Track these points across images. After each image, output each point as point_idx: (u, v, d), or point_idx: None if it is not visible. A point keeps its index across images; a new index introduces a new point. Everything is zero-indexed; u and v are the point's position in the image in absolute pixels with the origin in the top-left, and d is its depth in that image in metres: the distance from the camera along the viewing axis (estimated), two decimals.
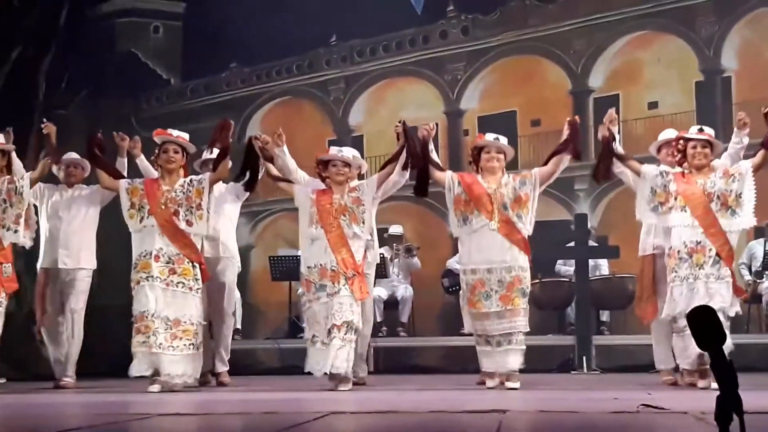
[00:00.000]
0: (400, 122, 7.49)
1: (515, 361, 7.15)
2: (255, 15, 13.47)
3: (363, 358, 8.17)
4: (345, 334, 7.10)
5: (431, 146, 7.49)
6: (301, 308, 7.68)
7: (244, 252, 12.49)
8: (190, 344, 7.23)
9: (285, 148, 7.67)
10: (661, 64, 12.85)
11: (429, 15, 13.93)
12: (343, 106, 14.53)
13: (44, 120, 7.93)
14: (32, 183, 7.72)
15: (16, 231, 7.48)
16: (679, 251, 6.98)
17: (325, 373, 7.11)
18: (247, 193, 8.18)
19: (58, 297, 8.45)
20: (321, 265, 7.25)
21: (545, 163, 7.36)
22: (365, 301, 7.62)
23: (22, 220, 7.51)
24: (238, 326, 11.90)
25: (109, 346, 9.78)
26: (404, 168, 7.42)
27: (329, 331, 7.10)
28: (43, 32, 13.77)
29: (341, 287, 7.17)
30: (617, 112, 7.61)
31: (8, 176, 7.59)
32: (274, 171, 7.71)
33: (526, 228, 7.24)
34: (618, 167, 7.28)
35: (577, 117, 7.49)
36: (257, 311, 13.48)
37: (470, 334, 7.55)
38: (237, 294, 11.89)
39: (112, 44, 15.88)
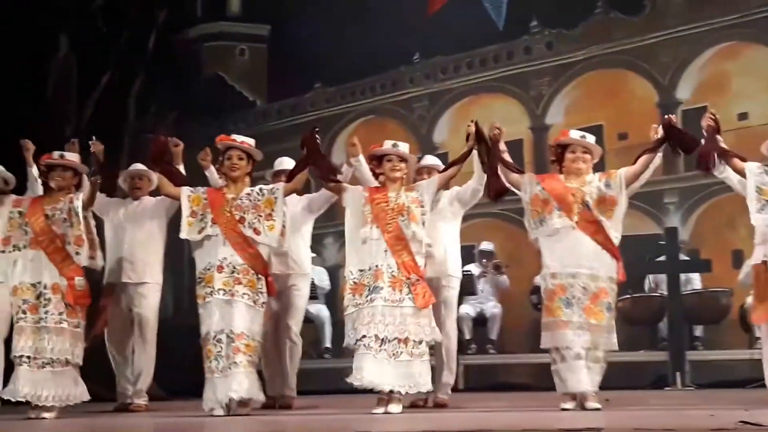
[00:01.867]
0: (472, 121, 6.92)
1: (593, 380, 6.48)
2: (338, 35, 13.56)
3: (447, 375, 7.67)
4: (413, 350, 6.56)
5: (503, 147, 6.87)
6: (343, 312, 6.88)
7: (334, 270, 12.57)
8: (251, 360, 6.73)
9: (361, 157, 7.20)
10: (750, 75, 12.63)
11: (512, 30, 13.89)
12: (428, 124, 14.55)
13: (92, 137, 7.63)
14: (86, 203, 7.31)
15: (77, 253, 7.19)
16: None
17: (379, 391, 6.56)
18: (323, 207, 7.76)
19: (125, 313, 8.13)
20: (377, 267, 6.65)
21: (634, 162, 6.70)
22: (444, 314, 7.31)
23: (84, 243, 7.22)
24: (328, 345, 11.97)
25: (179, 364, 9.60)
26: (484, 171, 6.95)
27: (382, 341, 6.53)
28: (132, 57, 14.02)
29: (404, 296, 6.59)
30: None
31: (71, 195, 7.31)
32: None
33: (613, 232, 6.57)
34: (721, 170, 6.66)
35: (673, 116, 6.77)
36: None
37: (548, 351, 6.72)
38: (326, 312, 12.04)
39: (199, 68, 16.15)
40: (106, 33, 13.80)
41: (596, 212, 6.54)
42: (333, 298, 12.35)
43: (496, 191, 6.82)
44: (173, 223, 8.09)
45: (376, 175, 6.99)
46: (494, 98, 14.18)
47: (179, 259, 10.46)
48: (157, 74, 14.44)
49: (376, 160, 6.95)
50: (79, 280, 7.17)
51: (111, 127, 13.39)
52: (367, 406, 6.72)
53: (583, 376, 6.43)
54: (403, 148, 6.95)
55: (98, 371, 8.07)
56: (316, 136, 6.95)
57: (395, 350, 6.54)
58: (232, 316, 6.70)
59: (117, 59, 13.91)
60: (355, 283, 6.70)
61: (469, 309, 11.49)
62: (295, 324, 7.92)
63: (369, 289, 6.63)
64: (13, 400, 7.08)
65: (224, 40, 16.47)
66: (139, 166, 8.27)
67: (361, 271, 6.71)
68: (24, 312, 7.09)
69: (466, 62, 14.31)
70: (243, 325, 6.71)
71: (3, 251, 7.25)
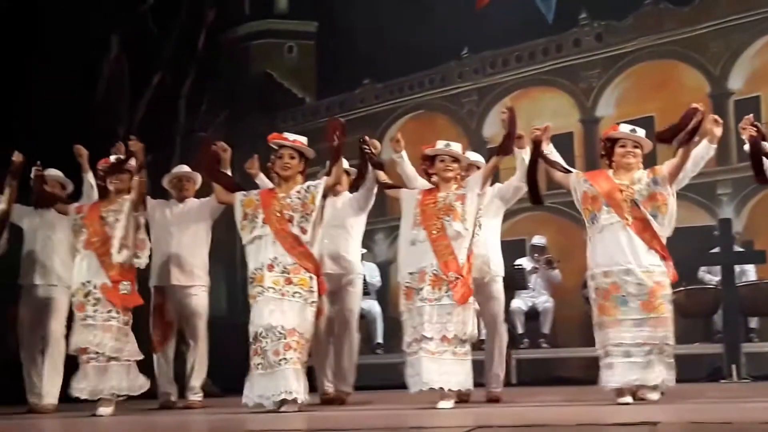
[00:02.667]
0: (506, 108, 6.80)
1: (660, 374, 6.36)
2: (386, 31, 13.57)
3: (499, 371, 7.62)
4: (456, 347, 6.57)
5: (549, 147, 6.75)
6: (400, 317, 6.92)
7: (384, 266, 12.59)
8: (301, 358, 6.69)
9: (404, 153, 7.18)
10: None
11: (561, 23, 13.82)
12: (477, 118, 14.53)
13: (131, 136, 7.60)
14: (134, 204, 7.41)
15: (119, 252, 7.30)
16: None
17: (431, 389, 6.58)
18: (370, 203, 7.69)
19: (173, 315, 8.20)
20: (422, 268, 6.66)
21: (674, 155, 6.50)
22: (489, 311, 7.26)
23: (129, 242, 7.34)
24: (380, 340, 12.00)
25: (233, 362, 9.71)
26: (500, 153, 6.77)
27: (421, 341, 6.58)
28: (181, 58, 14.12)
29: (442, 294, 6.58)
30: (758, 115, 7.15)
31: (128, 196, 7.41)
32: (383, 177, 7.20)
33: (664, 229, 6.45)
34: None
35: (699, 105, 6.49)
36: (398, 325, 13.51)
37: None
38: (377, 308, 12.07)
39: (247, 66, 16.21)
40: (156, 34, 13.91)
41: (647, 210, 6.43)
42: (384, 294, 12.38)
43: (536, 199, 6.76)
44: (222, 223, 8.21)
45: (429, 175, 6.94)
46: (543, 91, 14.13)
47: (231, 259, 10.54)
48: (206, 74, 14.54)
49: (429, 160, 6.91)
50: (124, 285, 7.28)
51: (162, 127, 13.53)
52: (420, 401, 6.74)
53: (642, 371, 6.34)
54: (456, 147, 6.92)
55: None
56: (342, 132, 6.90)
57: (439, 348, 6.55)
58: (283, 314, 6.67)
59: (167, 60, 14.03)
60: (407, 287, 6.73)
61: (521, 303, 11.48)
62: (351, 321, 7.89)
63: (416, 292, 6.67)
64: (79, 396, 7.24)
65: (272, 38, 16.54)
66: (184, 168, 8.31)
67: (411, 273, 6.73)
68: (84, 311, 7.22)
69: (515, 56, 14.27)
70: (294, 322, 6.67)
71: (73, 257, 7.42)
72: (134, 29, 13.51)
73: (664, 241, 6.48)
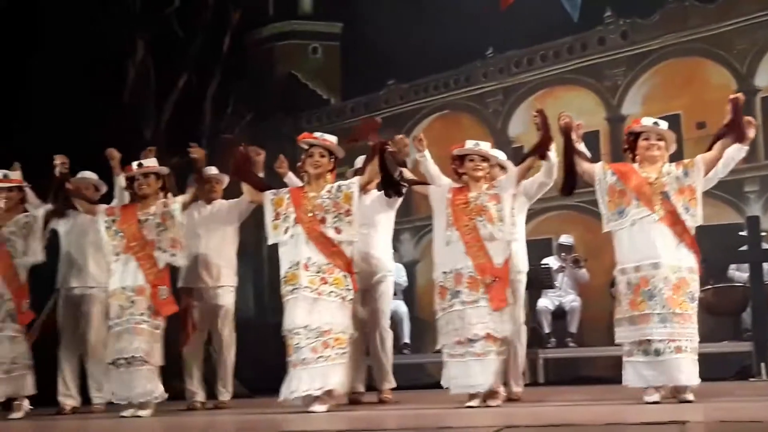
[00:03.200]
0: (537, 111, 6.85)
1: (691, 373, 6.34)
2: (411, 31, 13.57)
3: (519, 371, 7.71)
4: (491, 347, 6.63)
5: (575, 136, 6.72)
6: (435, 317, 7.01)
7: (410, 266, 12.60)
8: (342, 353, 6.77)
9: (426, 152, 7.15)
10: None
11: (586, 22, 13.75)
12: (502, 118, 14.50)
13: (190, 144, 7.71)
14: (183, 207, 7.52)
15: (173, 254, 7.41)
16: None
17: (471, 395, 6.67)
18: (399, 200, 7.65)
19: (201, 317, 8.25)
20: (456, 270, 6.73)
21: (709, 149, 6.58)
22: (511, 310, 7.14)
23: (180, 245, 7.44)
24: (407, 340, 12.00)
25: (261, 362, 9.70)
26: (541, 158, 6.85)
27: (466, 342, 6.64)
28: (207, 60, 14.17)
29: (480, 296, 6.65)
30: None
31: (164, 199, 7.48)
32: (408, 174, 7.21)
33: (694, 220, 6.42)
34: None
35: (741, 95, 6.68)
36: (425, 325, 13.52)
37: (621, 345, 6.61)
38: (404, 308, 12.07)
39: (272, 67, 16.25)
40: (181, 36, 13.97)
41: (678, 203, 6.41)
42: (411, 295, 12.39)
43: (571, 187, 6.72)
44: (251, 224, 8.24)
45: (458, 175, 6.98)
46: (569, 90, 14.09)
47: (259, 259, 10.57)
48: (231, 75, 14.58)
49: (458, 160, 6.96)
50: (163, 289, 7.34)
51: (188, 128, 13.58)
52: (446, 401, 6.75)
53: (667, 369, 6.31)
54: (485, 146, 6.97)
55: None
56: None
57: (484, 350, 6.61)
58: (320, 313, 6.74)
59: (193, 61, 14.08)
60: (441, 286, 6.80)
61: (548, 303, 11.46)
62: (383, 320, 7.95)
63: (450, 293, 6.73)
64: (114, 401, 7.41)
65: (296, 39, 16.56)
66: (212, 170, 8.32)
67: (444, 273, 6.79)
68: (118, 317, 7.29)
69: (540, 55, 14.23)
70: (331, 320, 6.75)
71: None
72: (160, 31, 13.58)
73: (693, 232, 6.46)
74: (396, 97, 15.38)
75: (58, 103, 11.19)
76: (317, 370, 6.67)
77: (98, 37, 11.71)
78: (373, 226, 7.74)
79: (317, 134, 7.15)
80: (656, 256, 6.38)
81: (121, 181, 7.86)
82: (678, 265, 6.39)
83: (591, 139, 13.41)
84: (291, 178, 7.76)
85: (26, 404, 7.73)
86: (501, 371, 6.76)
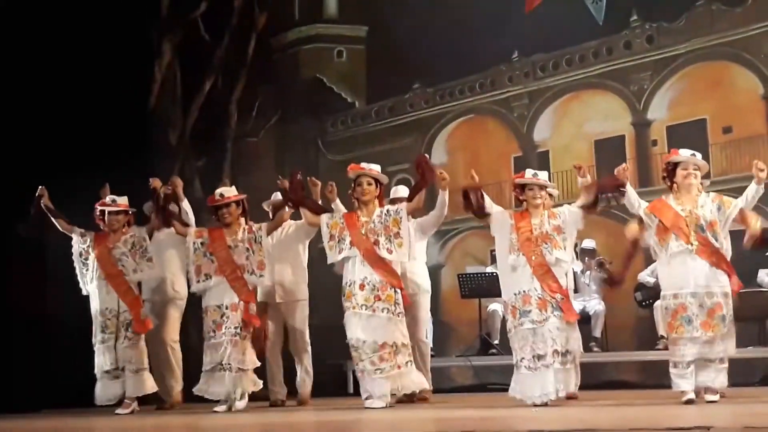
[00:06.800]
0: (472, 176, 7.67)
1: (716, 378, 7.14)
2: (436, 35, 13.58)
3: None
4: (562, 359, 7.26)
5: (627, 184, 7.40)
6: (507, 334, 7.75)
7: (434, 271, 12.57)
8: (398, 364, 7.69)
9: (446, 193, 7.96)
10: None
11: (611, 26, 13.71)
12: (528, 122, 14.47)
13: (311, 177, 8.63)
14: (268, 232, 8.52)
15: (261, 275, 8.40)
16: None
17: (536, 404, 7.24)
18: (433, 229, 8.49)
19: (277, 328, 9.13)
20: (524, 291, 7.38)
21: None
22: None
23: (266, 266, 8.42)
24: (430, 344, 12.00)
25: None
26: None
27: (538, 357, 7.27)
28: (232, 63, 14.25)
29: (550, 315, 7.29)
30: None
31: (247, 225, 8.45)
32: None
33: (726, 248, 7.18)
34: None
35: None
36: (448, 329, 13.54)
37: (666, 348, 7.57)
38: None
39: (297, 71, 16.28)
40: (207, 40, 14.04)
41: (710, 235, 7.11)
42: (434, 299, 12.35)
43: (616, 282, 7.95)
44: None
45: (519, 201, 7.69)
46: (594, 94, 14.04)
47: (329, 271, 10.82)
48: (257, 79, 14.65)
49: (519, 188, 7.64)
50: (252, 306, 8.40)
51: (214, 132, 13.66)
52: (461, 402, 6.78)
53: (699, 376, 7.10)
54: (542, 176, 7.64)
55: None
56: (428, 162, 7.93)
57: (552, 362, 7.25)
58: (373, 330, 7.69)
59: (218, 65, 14.15)
60: (512, 306, 7.47)
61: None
62: (421, 332, 8.74)
63: (519, 312, 7.40)
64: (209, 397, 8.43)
65: (322, 43, 16.56)
66: (278, 196, 8.95)
67: (515, 294, 7.46)
68: (213, 331, 8.33)
69: (565, 59, 14.19)
70: (384, 336, 7.68)
71: (198, 281, 8.46)
72: (186, 35, 13.66)
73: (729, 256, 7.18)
74: (421, 101, 15.37)
75: (84, 109, 11.25)
76: (375, 381, 7.65)
77: (125, 41, 11.77)
78: (413, 257, 8.30)
79: (363, 165, 8.05)
80: (694, 285, 7.10)
81: (185, 206, 8.78)
82: (712, 291, 7.11)
83: (617, 143, 13.44)
84: (338, 204, 8.44)
85: (135, 404, 8.68)
86: (569, 379, 7.45)
